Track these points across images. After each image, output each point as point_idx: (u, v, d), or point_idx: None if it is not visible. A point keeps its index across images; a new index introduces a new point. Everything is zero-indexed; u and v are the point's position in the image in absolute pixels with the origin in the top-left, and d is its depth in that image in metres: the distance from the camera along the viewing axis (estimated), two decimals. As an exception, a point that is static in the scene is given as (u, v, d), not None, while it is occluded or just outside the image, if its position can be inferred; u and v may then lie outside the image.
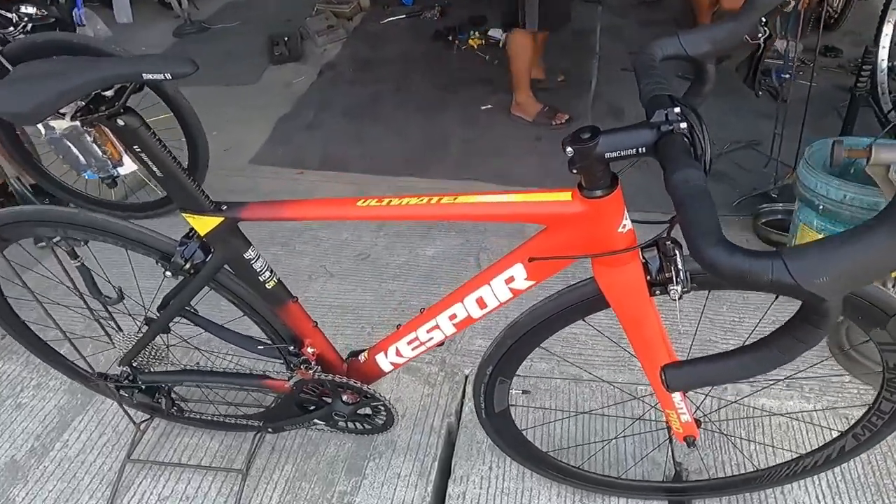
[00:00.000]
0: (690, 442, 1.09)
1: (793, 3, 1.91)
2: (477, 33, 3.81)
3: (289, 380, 1.24)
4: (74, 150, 0.95)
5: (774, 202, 2.23)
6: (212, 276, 1.07)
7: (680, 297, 0.84)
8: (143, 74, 0.77)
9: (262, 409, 1.42)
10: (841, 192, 1.63)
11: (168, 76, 0.77)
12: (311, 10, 4.36)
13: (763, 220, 2.18)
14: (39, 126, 0.99)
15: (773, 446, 1.44)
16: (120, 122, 0.85)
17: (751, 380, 1.33)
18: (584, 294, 0.93)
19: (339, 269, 2.16)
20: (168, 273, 1.07)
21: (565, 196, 0.82)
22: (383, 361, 1.18)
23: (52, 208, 1.06)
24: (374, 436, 1.57)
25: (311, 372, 1.18)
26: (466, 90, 3.37)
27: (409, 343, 1.12)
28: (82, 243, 1.15)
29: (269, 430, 1.37)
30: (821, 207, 1.69)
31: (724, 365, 0.64)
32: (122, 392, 1.32)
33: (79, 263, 1.23)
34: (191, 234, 1.06)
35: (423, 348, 1.12)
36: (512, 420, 1.23)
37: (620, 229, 0.82)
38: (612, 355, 1.70)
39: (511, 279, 0.93)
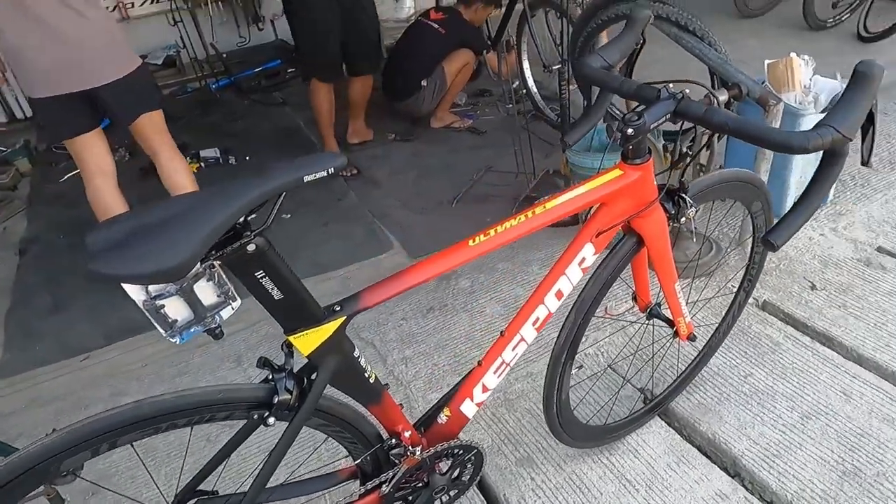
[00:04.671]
0: (692, 338, 1.44)
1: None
2: (190, 159, 3.67)
3: (380, 485, 1.15)
4: (177, 306, 0.75)
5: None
6: (317, 400, 0.96)
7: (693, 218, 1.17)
8: (305, 177, 0.73)
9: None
10: (599, 161, 2.27)
11: (331, 171, 0.74)
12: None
13: (542, 213, 2.76)
14: (135, 290, 0.72)
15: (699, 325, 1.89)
16: (251, 247, 0.76)
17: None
18: (628, 248, 1.18)
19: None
20: (271, 421, 0.92)
21: (616, 173, 1.07)
22: (469, 407, 1.21)
23: (87, 422, 0.80)
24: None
25: (416, 456, 1.14)
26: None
27: (496, 371, 1.19)
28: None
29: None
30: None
31: (800, 211, 0.97)
32: None
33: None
34: (279, 366, 0.94)
35: (507, 370, 1.20)
36: (570, 403, 1.39)
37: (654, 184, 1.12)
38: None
39: (583, 260, 1.13)
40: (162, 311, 0.73)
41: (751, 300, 2.06)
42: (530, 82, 3.67)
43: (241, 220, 0.75)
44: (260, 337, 2.32)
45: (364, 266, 2.67)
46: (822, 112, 2.13)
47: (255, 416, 0.92)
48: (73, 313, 2.60)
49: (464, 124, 3.80)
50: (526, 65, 3.66)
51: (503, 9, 3.80)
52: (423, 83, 3.54)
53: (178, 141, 3.87)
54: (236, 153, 3.76)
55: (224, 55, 4.98)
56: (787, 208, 2.36)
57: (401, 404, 1.15)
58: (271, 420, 0.93)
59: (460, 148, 3.59)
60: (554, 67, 2.83)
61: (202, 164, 3.66)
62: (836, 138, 0.89)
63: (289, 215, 3.13)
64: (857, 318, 1.93)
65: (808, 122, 2.10)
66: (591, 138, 2.36)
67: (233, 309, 0.83)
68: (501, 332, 1.18)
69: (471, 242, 0.99)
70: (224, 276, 0.79)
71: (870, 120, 1.00)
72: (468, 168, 3.34)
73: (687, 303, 1.91)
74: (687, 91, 1.04)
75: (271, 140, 3.97)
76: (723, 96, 2.17)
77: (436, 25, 3.61)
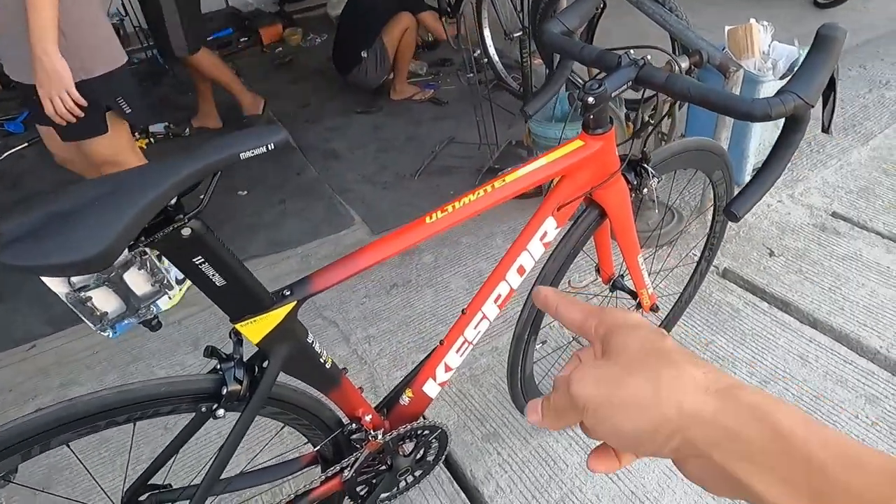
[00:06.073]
0: (655, 309, 1.43)
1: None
2: (138, 135, 3.50)
3: (342, 471, 1.12)
4: (106, 297, 0.68)
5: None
6: (270, 389, 0.92)
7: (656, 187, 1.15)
8: (241, 154, 0.67)
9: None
10: (560, 131, 2.23)
11: (270, 146, 0.68)
12: None
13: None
14: (57, 282, 0.65)
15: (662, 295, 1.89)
16: (186, 231, 0.70)
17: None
18: (591, 220, 1.16)
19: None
20: (220, 413, 0.87)
21: (578, 144, 1.03)
22: (431, 388, 1.18)
23: (12, 424, 0.74)
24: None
25: (378, 439, 1.10)
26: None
27: (458, 350, 1.16)
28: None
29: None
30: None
31: (762, 180, 0.95)
32: None
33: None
34: (227, 355, 0.89)
35: (469, 349, 1.17)
36: (535, 378, 1.37)
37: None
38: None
39: (545, 234, 1.10)
40: (88, 303, 0.67)
41: (711, 268, 2.08)
42: (491, 51, 3.58)
43: (174, 202, 0.68)
44: (217, 319, 2.25)
45: (325, 243, 2.60)
46: (781, 78, 2.13)
47: (204, 409, 0.87)
48: (16, 301, 2.47)
49: (424, 95, 3.71)
50: (487, 32, 3.57)
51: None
52: (364, 54, 3.44)
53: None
54: (188, 126, 3.60)
55: (172, 24, 4.72)
56: (747, 176, 2.41)
57: (360, 387, 1.11)
58: (220, 412, 0.88)
59: (422, 119, 3.51)
60: (515, 35, 2.76)
61: (151, 139, 3.50)
62: (797, 105, 0.86)
63: (245, 192, 3.02)
64: (813, 282, 1.97)
65: (768, 88, 2.11)
66: (553, 107, 2.32)
67: (170, 298, 0.77)
68: (463, 311, 1.14)
69: (428, 219, 0.94)
70: (158, 264, 0.73)
71: (831, 86, 0.98)
72: (430, 140, 3.27)
73: (650, 273, 1.91)
74: (648, 57, 1.00)
75: (223, 112, 3.81)
76: (684, 63, 2.15)
77: None
